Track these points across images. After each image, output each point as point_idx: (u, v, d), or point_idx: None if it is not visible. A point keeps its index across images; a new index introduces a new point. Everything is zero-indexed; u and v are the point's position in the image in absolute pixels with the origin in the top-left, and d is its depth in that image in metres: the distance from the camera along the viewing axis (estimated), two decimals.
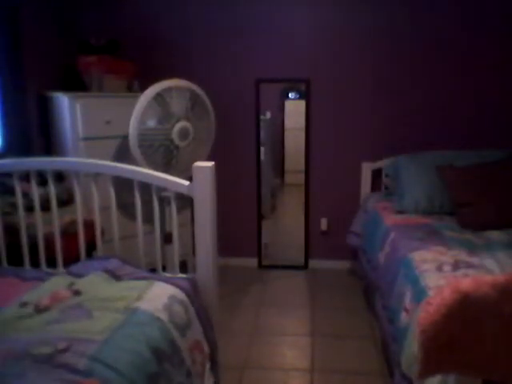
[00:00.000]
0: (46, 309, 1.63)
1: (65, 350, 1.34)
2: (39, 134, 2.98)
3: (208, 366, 1.89)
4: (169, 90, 2.64)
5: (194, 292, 1.93)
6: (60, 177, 2.44)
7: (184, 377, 1.61)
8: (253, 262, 3.73)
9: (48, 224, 2.15)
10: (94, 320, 1.54)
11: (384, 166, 3.35)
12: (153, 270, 2.17)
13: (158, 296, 1.73)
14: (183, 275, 2.14)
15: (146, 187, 2.07)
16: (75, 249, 2.18)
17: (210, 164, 1.95)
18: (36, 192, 2.09)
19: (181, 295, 1.82)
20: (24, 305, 1.67)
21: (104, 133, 2.86)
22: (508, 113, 3.29)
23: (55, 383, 1.21)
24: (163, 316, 1.64)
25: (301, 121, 3.59)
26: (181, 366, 1.61)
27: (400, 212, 2.84)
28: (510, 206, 2.59)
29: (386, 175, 3.35)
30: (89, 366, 1.27)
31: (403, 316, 1.92)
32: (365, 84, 3.38)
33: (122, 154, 2.87)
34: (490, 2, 3.15)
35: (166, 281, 1.88)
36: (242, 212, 3.68)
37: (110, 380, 1.25)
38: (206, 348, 1.88)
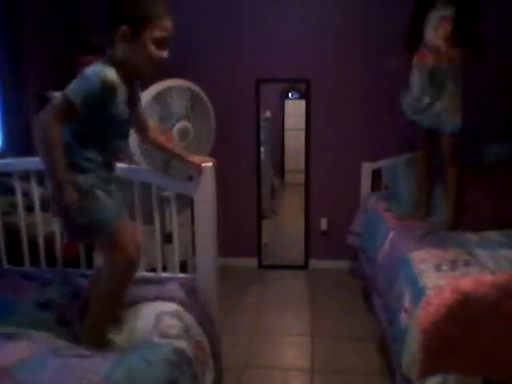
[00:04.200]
0: (66, 323, 1.74)
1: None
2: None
3: (210, 362, 1.89)
4: (169, 89, 2.64)
5: (187, 295, 1.92)
6: None
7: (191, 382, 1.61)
8: (253, 261, 3.73)
9: (48, 224, 2.14)
10: None
11: (382, 168, 3.35)
12: (153, 270, 2.17)
13: (146, 320, 1.72)
14: (183, 275, 2.14)
15: (146, 187, 2.07)
16: (75, 249, 2.18)
17: (210, 164, 1.95)
18: (36, 192, 2.09)
19: (169, 306, 1.80)
20: (42, 306, 1.75)
21: None
22: (507, 110, 3.29)
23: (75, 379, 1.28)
24: (163, 329, 1.65)
25: (301, 121, 3.59)
26: (189, 372, 1.60)
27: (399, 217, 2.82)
28: (508, 206, 2.60)
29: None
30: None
31: (403, 316, 1.92)
32: (365, 84, 3.38)
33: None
34: None
35: (153, 298, 1.86)
36: (241, 212, 3.68)
37: None
38: (207, 345, 1.88)
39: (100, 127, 1.59)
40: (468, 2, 2.41)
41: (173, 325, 1.69)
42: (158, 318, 1.72)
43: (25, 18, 2.84)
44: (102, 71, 1.52)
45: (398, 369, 1.88)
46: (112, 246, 1.62)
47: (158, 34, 1.53)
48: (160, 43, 1.55)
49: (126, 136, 1.73)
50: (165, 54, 1.59)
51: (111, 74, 1.53)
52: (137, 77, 1.69)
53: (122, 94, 1.58)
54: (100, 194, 1.59)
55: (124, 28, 1.51)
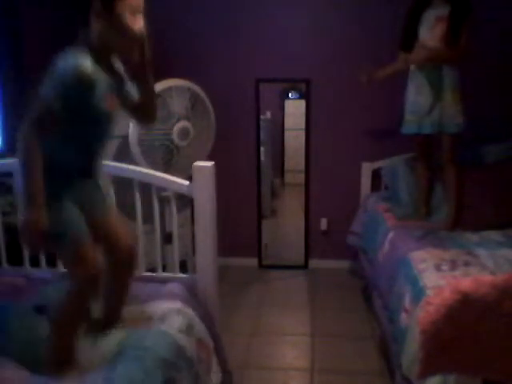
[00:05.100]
0: None
1: None
2: None
3: (214, 360, 1.89)
4: (169, 89, 2.64)
5: (189, 293, 1.92)
6: None
7: (193, 382, 1.61)
8: (253, 261, 3.73)
9: None
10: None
11: (382, 168, 3.35)
12: (153, 270, 2.17)
13: (152, 317, 1.73)
14: (183, 275, 2.14)
15: (146, 187, 2.07)
16: None
17: (210, 164, 1.95)
18: None
19: (174, 305, 1.81)
20: (40, 310, 1.70)
21: None
22: (507, 110, 3.29)
23: None
24: (165, 327, 1.65)
25: (301, 121, 3.59)
26: (189, 371, 1.61)
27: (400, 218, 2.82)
28: (508, 206, 2.60)
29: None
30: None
31: (403, 316, 1.92)
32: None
33: (122, 153, 2.87)
34: None
35: (155, 297, 1.86)
36: (241, 212, 3.68)
37: None
38: (211, 343, 1.88)
39: (79, 126, 1.43)
40: (462, 1, 2.44)
41: (176, 322, 1.71)
42: (161, 315, 1.73)
43: (26, 17, 2.84)
44: (77, 63, 1.34)
45: (398, 369, 1.88)
46: (70, 260, 1.49)
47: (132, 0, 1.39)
48: (135, 10, 1.41)
49: (106, 134, 1.56)
50: (140, 21, 1.43)
51: (87, 64, 1.36)
52: (117, 57, 1.53)
53: (102, 83, 1.42)
54: (67, 204, 1.47)
55: (96, 4, 1.38)
